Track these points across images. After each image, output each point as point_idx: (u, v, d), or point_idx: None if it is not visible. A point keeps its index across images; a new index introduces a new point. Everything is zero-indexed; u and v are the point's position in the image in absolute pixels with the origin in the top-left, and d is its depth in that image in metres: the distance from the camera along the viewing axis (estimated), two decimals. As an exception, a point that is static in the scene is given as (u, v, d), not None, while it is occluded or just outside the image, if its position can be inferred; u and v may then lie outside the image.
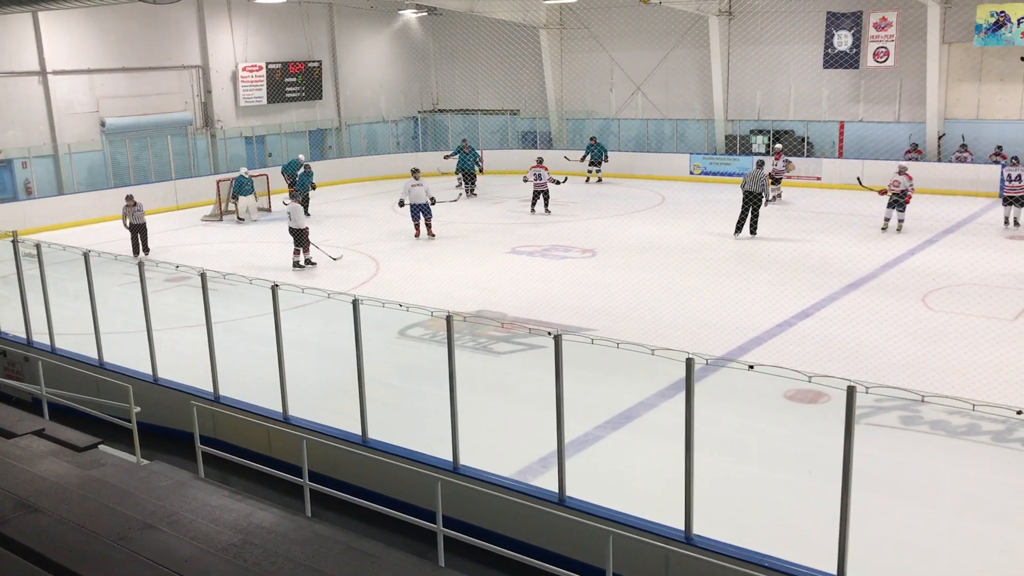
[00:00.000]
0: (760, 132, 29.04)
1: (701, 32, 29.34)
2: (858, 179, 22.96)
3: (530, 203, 24.12)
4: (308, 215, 22.72)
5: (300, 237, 18.34)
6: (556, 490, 7.59)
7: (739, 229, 19.89)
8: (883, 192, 20.09)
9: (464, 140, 28.22)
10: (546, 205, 23.88)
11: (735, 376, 10.14)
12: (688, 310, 14.29)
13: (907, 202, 19.80)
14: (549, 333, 7.62)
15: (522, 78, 33.49)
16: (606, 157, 28.90)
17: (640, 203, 25.28)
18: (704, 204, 24.49)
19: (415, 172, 20.89)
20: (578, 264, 18.16)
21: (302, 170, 24.46)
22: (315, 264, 18.40)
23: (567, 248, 19.51)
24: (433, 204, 20.60)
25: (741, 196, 20.05)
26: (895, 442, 9.71)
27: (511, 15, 30.92)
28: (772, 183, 23.76)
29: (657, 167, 29.78)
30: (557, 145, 33.25)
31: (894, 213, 20.14)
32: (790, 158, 26.11)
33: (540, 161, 24.20)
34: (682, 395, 6.93)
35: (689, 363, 6.72)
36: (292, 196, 19.41)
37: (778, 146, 25.83)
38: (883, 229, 19.92)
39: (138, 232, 19.91)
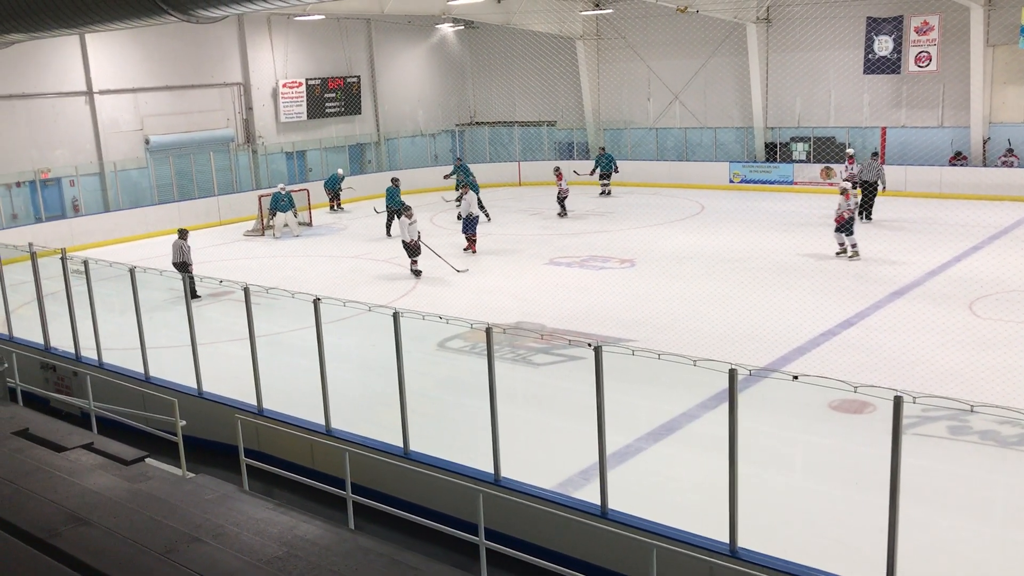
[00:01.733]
0: (800, 139, 28.77)
1: (739, 39, 29.18)
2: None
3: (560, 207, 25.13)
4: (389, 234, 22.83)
5: (410, 249, 18.53)
6: (598, 503, 7.54)
7: (862, 216, 21.62)
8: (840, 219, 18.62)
9: (459, 158, 27.72)
10: (564, 210, 24.92)
11: (778, 386, 10.04)
12: (729, 320, 14.17)
13: (839, 221, 18.36)
14: (589, 344, 7.59)
15: (559, 89, 33.54)
16: (616, 168, 28.74)
17: (679, 212, 25.15)
18: (744, 213, 24.31)
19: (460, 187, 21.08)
20: (617, 274, 18.10)
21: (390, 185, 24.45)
22: (419, 273, 18.55)
23: (605, 259, 19.46)
24: (475, 221, 20.53)
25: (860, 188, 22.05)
26: (944, 452, 9.53)
27: (547, 27, 31.01)
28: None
29: (696, 176, 29.62)
30: (594, 156, 33.19)
31: (844, 237, 18.56)
32: (831, 165, 25.87)
33: (557, 170, 25.38)
34: (724, 406, 6.87)
35: (732, 374, 6.66)
36: (402, 212, 19.19)
37: (850, 151, 25.38)
38: (837, 255, 18.51)
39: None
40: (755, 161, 29.49)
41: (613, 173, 28.69)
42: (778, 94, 29.16)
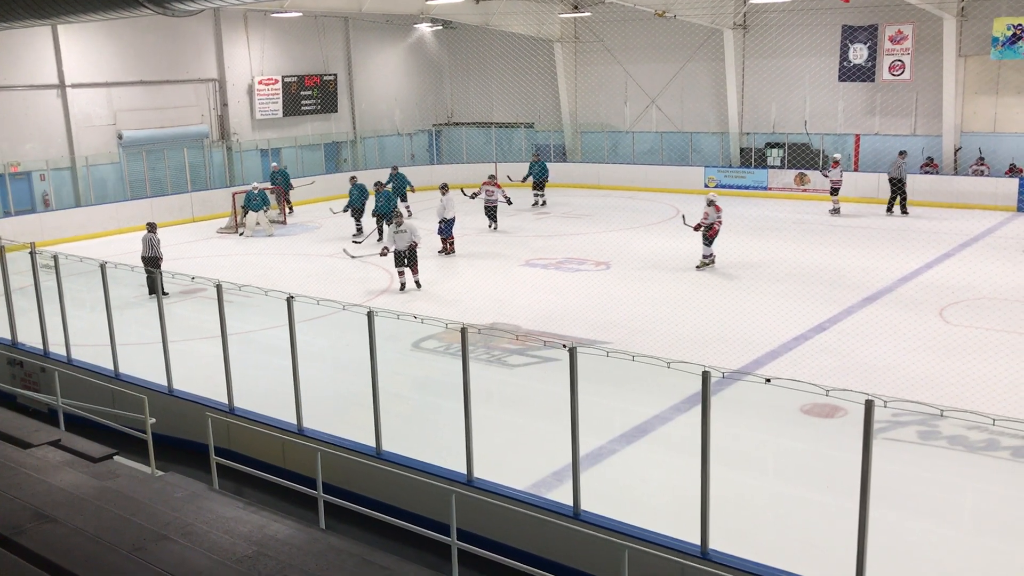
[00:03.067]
0: (775, 145, 28.98)
1: (716, 45, 29.34)
2: (683, 217, 21.32)
3: (488, 219, 23.30)
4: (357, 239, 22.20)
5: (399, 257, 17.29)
6: (571, 504, 7.54)
7: (889, 210, 23.95)
8: (697, 228, 18.43)
9: (394, 166, 26.26)
10: (494, 222, 23.18)
11: (751, 390, 10.09)
12: (703, 323, 14.23)
13: (712, 236, 18.20)
14: (564, 346, 7.59)
15: (536, 91, 33.56)
16: (547, 177, 27.35)
17: (654, 216, 25.24)
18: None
19: (444, 187, 20.86)
20: (593, 277, 18.13)
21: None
22: (403, 287, 17.37)
23: (581, 261, 19.49)
24: (452, 223, 20.44)
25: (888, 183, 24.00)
26: (913, 457, 9.62)
27: (526, 29, 31.03)
28: (834, 192, 24.44)
29: (672, 180, 29.74)
30: (571, 158, 33.29)
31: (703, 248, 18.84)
32: (805, 172, 26.10)
33: (492, 178, 23.37)
34: (697, 409, 6.89)
35: (705, 376, 6.68)
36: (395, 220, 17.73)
37: (836, 156, 25.33)
38: (698, 268, 18.24)
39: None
40: (730, 166, 29.67)
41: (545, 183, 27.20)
42: (754, 100, 29.36)
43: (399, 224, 17.32)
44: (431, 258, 20.07)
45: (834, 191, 24.47)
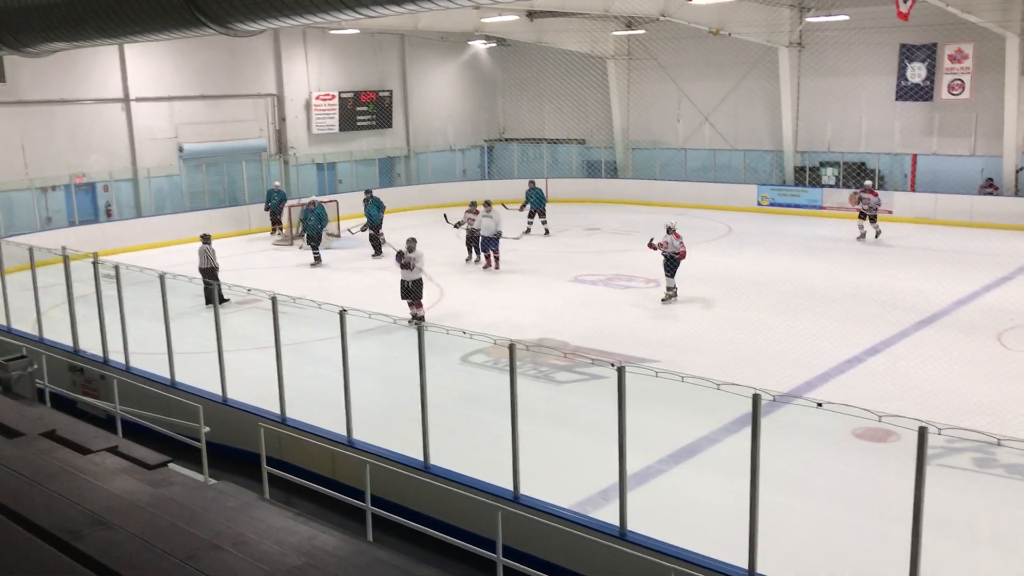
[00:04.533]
0: (830, 164, 28.64)
1: (771, 63, 29.12)
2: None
3: (468, 249, 21.55)
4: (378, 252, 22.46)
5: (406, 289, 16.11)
6: (617, 523, 7.52)
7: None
8: (652, 246, 17.38)
9: (367, 190, 24.89)
10: (478, 252, 21.26)
11: (802, 413, 9.97)
12: (754, 343, 14.10)
13: (674, 265, 17.13)
14: (612, 364, 7.59)
15: (589, 108, 33.61)
16: (543, 206, 25.42)
17: (706, 233, 25.08)
18: (771, 236, 24.19)
19: (487, 204, 20.92)
20: (642, 294, 18.06)
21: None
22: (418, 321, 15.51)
23: (630, 277, 19.43)
24: (499, 238, 20.57)
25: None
26: (968, 485, 9.42)
27: (579, 46, 31.13)
28: (871, 219, 23.20)
29: (724, 198, 29.54)
30: (622, 175, 33.24)
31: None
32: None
33: (474, 205, 21.59)
34: (747, 430, 6.84)
35: (756, 399, 6.63)
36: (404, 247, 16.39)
37: (867, 182, 24.62)
38: (664, 301, 17.18)
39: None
40: (784, 184, 29.38)
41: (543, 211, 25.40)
42: (809, 118, 29.06)
43: (411, 250, 15.95)
44: (475, 272, 20.20)
45: (864, 216, 23.33)
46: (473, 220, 21.16)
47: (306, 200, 24.78)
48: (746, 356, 13.38)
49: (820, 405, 6.62)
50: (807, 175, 29.10)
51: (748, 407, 6.71)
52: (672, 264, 17.12)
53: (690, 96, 31.60)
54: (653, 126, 32.72)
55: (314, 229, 22.13)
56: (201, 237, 17.95)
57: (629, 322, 15.82)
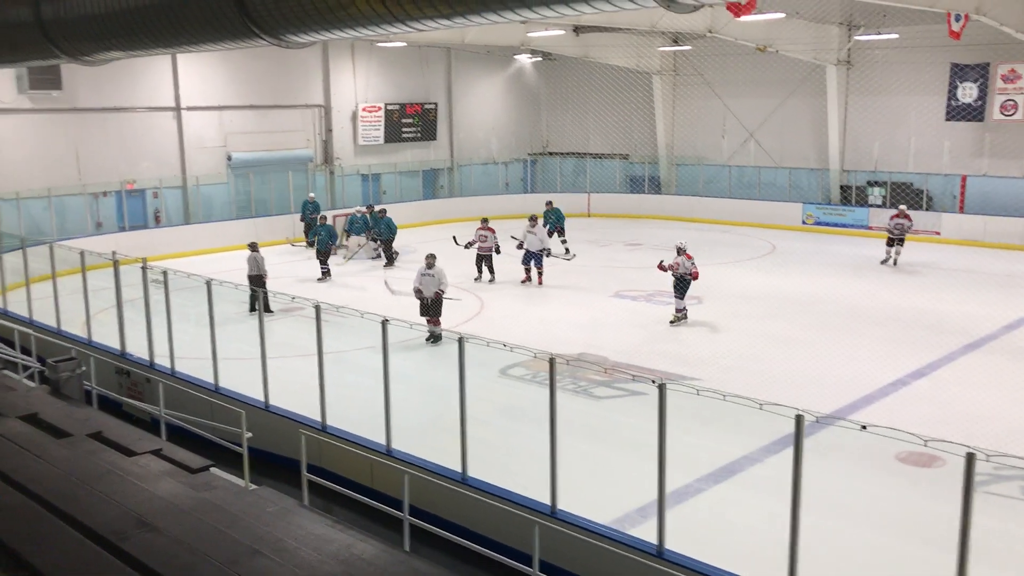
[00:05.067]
0: (877, 183, 28.28)
1: (818, 81, 28.88)
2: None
3: (476, 269, 20.66)
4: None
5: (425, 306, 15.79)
6: (655, 541, 7.48)
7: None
8: (663, 268, 16.82)
9: (367, 206, 25.26)
10: (491, 272, 20.61)
11: (845, 435, 9.82)
12: (796, 364, 13.95)
13: (685, 287, 16.71)
14: (653, 381, 7.56)
15: (633, 123, 33.59)
16: (562, 224, 24.20)
17: (749, 251, 24.89)
18: (816, 255, 23.93)
19: (533, 219, 20.88)
20: (683, 311, 17.93)
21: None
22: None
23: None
24: (548, 255, 20.48)
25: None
26: (1016, 514, 9.21)
27: (624, 61, 31.13)
28: (899, 244, 22.15)
29: (768, 215, 29.30)
30: (666, 190, 33.13)
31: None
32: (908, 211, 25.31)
33: (485, 222, 20.97)
34: (788, 451, 6.77)
35: (799, 420, 6.57)
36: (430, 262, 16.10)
37: (902, 207, 23.11)
38: (672, 323, 16.72)
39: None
40: (829, 203, 29.07)
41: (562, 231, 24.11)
42: (856, 137, 28.75)
43: (430, 266, 15.73)
44: (516, 285, 20.22)
45: (893, 241, 22.24)
46: (486, 238, 20.55)
47: (349, 210, 25.06)
48: (788, 376, 13.23)
49: (864, 428, 6.53)
50: (853, 194, 28.77)
51: (790, 427, 6.64)
52: (682, 285, 16.64)
53: (735, 112, 31.44)
54: (697, 142, 32.59)
55: (323, 244, 21.83)
56: (249, 245, 18.21)
57: (670, 339, 15.73)
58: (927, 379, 13.42)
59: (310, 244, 25.15)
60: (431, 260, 15.89)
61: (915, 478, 10.00)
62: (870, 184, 28.45)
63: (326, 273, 21.78)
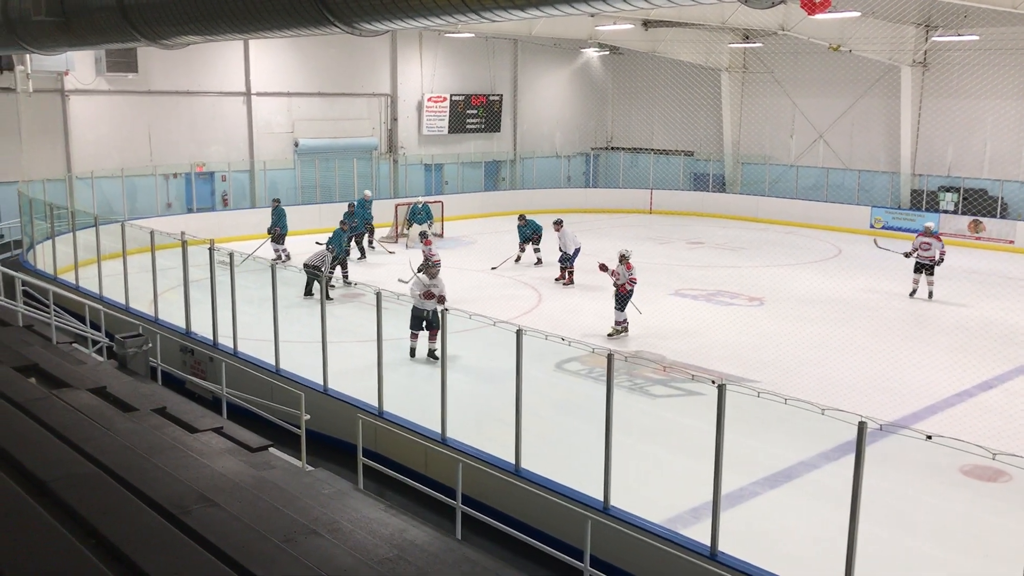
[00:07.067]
0: (949, 189, 27.56)
1: (892, 82, 28.22)
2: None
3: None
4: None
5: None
6: (708, 543, 7.40)
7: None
8: (602, 268, 15.98)
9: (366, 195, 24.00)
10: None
11: (909, 445, 9.60)
12: (860, 369, 13.68)
13: (624, 297, 15.61)
14: (713, 382, 7.48)
15: (699, 119, 33.22)
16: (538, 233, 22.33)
17: (814, 254, 24.47)
18: (884, 259, 23.38)
19: (558, 222, 20.43)
20: (744, 312, 17.73)
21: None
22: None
23: (734, 295, 19.09)
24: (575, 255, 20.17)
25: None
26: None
27: (693, 57, 30.80)
28: (928, 272, 18.70)
29: (835, 218, 28.76)
30: (730, 189, 32.73)
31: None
32: (980, 218, 24.63)
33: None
34: (848, 458, 6.66)
35: (861, 427, 6.44)
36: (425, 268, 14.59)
37: (930, 225, 19.90)
38: (609, 336, 15.50)
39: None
40: (899, 208, 28.41)
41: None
42: (929, 140, 28.03)
43: (432, 277, 14.16)
44: (581, 280, 20.17)
45: (922, 267, 18.77)
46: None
47: (412, 199, 25.23)
48: (849, 382, 12.99)
49: (929, 438, 6.38)
50: (924, 199, 28.08)
51: (851, 434, 6.52)
52: (621, 297, 15.57)
53: (805, 112, 30.89)
54: (765, 141, 32.12)
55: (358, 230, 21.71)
56: (327, 245, 18.15)
57: (729, 340, 15.54)
58: (995, 391, 13.05)
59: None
60: (435, 269, 14.38)
61: (979, 492, 9.74)
62: (942, 189, 27.73)
63: (344, 277, 19.61)
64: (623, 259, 15.57)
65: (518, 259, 22.10)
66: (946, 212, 27.17)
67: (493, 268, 21.38)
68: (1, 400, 7.42)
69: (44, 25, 11.59)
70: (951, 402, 12.50)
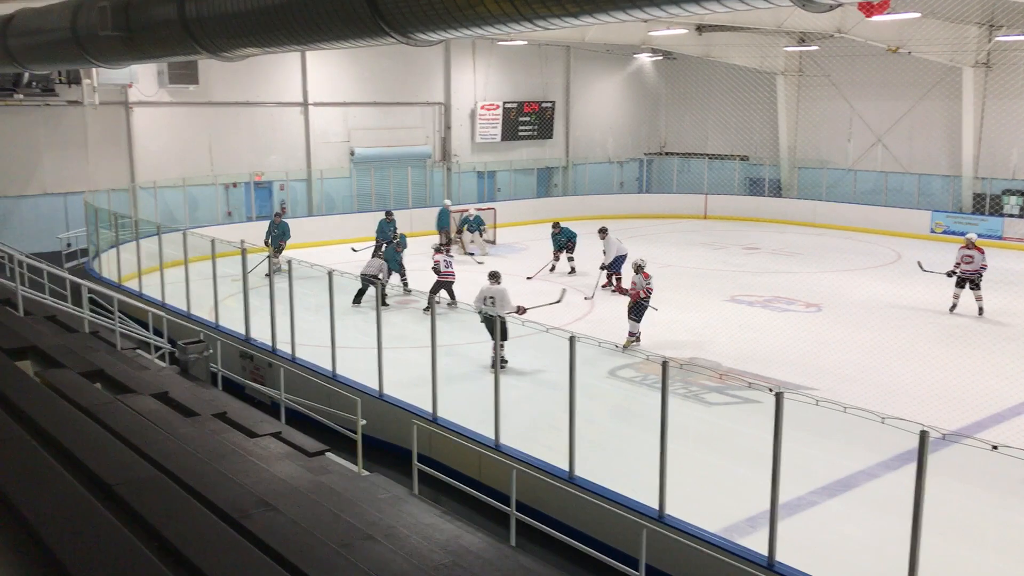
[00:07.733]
0: (1014, 192, 26.85)
1: (953, 83, 27.61)
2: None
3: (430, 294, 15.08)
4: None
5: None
6: (766, 553, 7.32)
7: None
8: (613, 288, 15.52)
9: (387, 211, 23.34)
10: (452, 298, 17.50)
11: (973, 455, 9.38)
12: (919, 377, 13.40)
13: (640, 309, 15.12)
14: (771, 390, 7.39)
15: (754, 124, 32.87)
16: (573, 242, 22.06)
17: (873, 259, 24.02)
18: (944, 265, 22.87)
19: (603, 230, 20.20)
20: (801, 318, 17.47)
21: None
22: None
23: (790, 300, 18.83)
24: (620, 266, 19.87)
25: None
26: None
27: (748, 61, 30.51)
28: (973, 286, 17.55)
29: (894, 222, 28.19)
30: (787, 193, 32.30)
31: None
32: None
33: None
34: (908, 467, 6.53)
35: (923, 436, 6.31)
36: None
37: (971, 236, 18.25)
38: (624, 348, 14.41)
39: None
40: (961, 212, 27.76)
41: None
42: (992, 143, 27.35)
43: (496, 282, 14.09)
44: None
45: (963, 283, 17.67)
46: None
47: (464, 207, 25.38)
48: (910, 389, 12.73)
49: (995, 448, 6.23)
50: (987, 203, 27.38)
51: (912, 443, 6.40)
52: (636, 307, 15.15)
53: (863, 115, 30.38)
54: (821, 145, 31.65)
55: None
56: (389, 269, 18.09)
57: (786, 347, 15.32)
58: (1064, 400, 12.68)
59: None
60: (496, 280, 14.16)
61: (1047, 504, 9.48)
62: (1006, 193, 27.03)
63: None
64: (639, 269, 15.22)
65: (552, 268, 21.91)
66: (1011, 216, 26.49)
67: (529, 278, 21.36)
68: (68, 405, 7.65)
69: (110, 40, 11.91)
70: (1017, 411, 12.18)
